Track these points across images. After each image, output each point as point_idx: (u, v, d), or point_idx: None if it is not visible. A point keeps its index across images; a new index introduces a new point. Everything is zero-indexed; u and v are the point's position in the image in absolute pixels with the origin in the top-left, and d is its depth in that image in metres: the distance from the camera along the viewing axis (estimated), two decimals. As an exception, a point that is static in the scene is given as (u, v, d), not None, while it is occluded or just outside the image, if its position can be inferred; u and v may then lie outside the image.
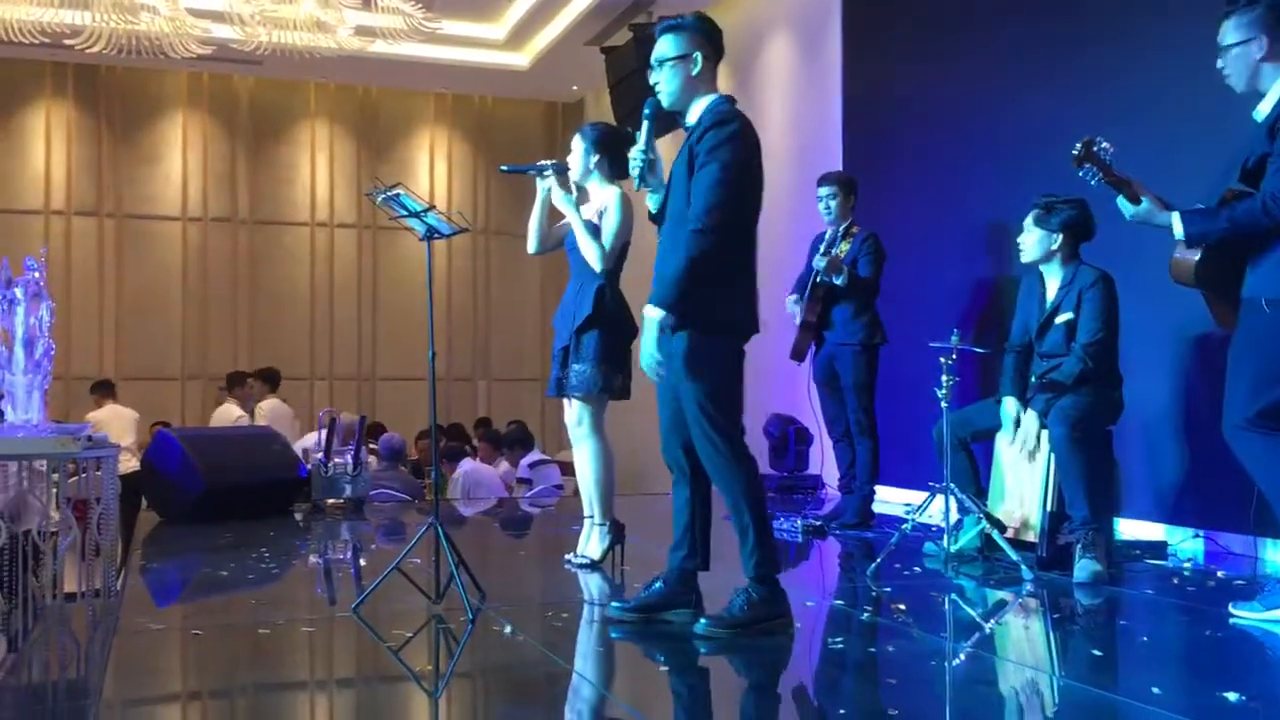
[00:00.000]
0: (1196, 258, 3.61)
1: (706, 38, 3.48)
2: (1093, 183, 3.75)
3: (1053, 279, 4.64)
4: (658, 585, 3.55)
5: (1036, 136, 5.96)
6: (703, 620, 3.38)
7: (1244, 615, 3.53)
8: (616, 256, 4.52)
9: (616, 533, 4.59)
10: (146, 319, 12.07)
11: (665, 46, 3.47)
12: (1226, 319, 3.68)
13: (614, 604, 3.64)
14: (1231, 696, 2.72)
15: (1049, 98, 5.90)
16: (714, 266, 3.32)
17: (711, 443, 3.35)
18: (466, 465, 8.02)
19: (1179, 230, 3.55)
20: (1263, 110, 3.49)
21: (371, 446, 7.79)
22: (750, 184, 3.41)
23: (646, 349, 3.33)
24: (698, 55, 3.45)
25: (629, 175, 3.62)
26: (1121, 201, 3.69)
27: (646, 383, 4.69)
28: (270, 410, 9.63)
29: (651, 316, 3.31)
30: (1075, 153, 3.72)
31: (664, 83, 3.46)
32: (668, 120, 3.61)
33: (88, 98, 11.98)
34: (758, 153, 3.45)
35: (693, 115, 3.47)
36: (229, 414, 9.56)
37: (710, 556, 3.58)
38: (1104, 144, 3.74)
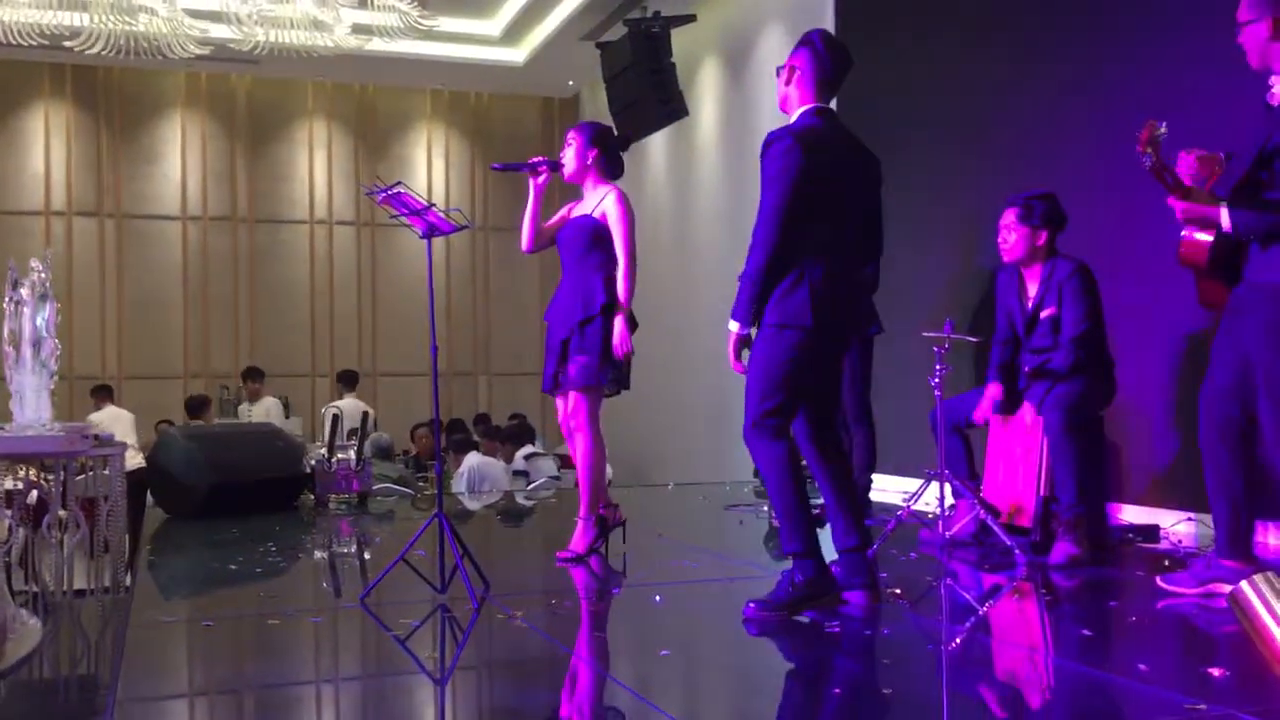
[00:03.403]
0: (1210, 239, 3.56)
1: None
2: (1147, 165, 3.59)
3: (1031, 274, 4.67)
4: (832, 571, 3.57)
5: (1025, 131, 6.03)
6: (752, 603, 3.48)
7: (1176, 590, 3.67)
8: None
9: (601, 527, 4.61)
10: (148, 318, 12.14)
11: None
12: (1213, 295, 3.68)
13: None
14: (1215, 672, 2.79)
15: (1037, 93, 5.96)
16: None
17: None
18: (474, 458, 8.04)
19: (1226, 223, 3.47)
20: (1277, 95, 3.42)
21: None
22: None
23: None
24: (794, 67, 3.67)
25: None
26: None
27: (643, 376, 4.75)
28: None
29: None
30: (1159, 131, 3.56)
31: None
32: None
33: (86, 99, 12.03)
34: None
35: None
36: (357, 408, 9.12)
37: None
38: (1162, 129, 3.58)
